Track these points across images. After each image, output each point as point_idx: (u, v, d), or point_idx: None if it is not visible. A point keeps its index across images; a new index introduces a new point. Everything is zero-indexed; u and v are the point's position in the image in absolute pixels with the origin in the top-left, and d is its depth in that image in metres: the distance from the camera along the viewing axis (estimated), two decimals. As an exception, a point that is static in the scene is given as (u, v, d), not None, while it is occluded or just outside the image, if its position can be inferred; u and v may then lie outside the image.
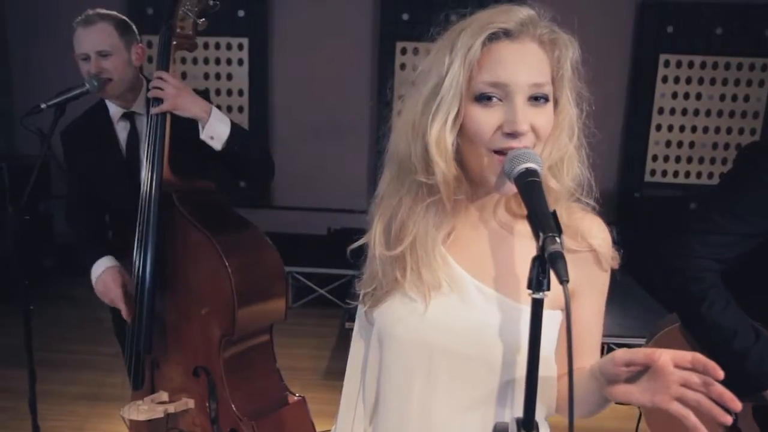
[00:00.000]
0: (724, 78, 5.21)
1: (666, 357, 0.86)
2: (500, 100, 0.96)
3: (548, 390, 1.06)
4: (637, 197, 5.28)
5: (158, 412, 1.89)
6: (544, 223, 0.84)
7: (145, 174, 2.00)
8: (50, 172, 5.07)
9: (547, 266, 0.84)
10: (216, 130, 2.03)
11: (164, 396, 1.99)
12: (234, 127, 2.06)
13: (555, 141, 1.02)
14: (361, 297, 1.14)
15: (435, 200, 1.04)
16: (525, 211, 0.91)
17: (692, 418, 0.85)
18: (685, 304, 1.67)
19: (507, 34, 0.97)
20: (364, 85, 5.51)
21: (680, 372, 0.85)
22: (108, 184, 2.28)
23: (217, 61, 5.39)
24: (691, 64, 5.21)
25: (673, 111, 5.32)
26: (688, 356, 0.85)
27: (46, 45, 5.51)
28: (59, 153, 2.42)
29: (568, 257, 1.01)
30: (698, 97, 5.27)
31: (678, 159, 5.42)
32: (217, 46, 5.35)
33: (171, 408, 1.91)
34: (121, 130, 2.28)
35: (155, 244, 1.96)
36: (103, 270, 2.19)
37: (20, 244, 2.44)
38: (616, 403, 0.96)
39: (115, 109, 2.28)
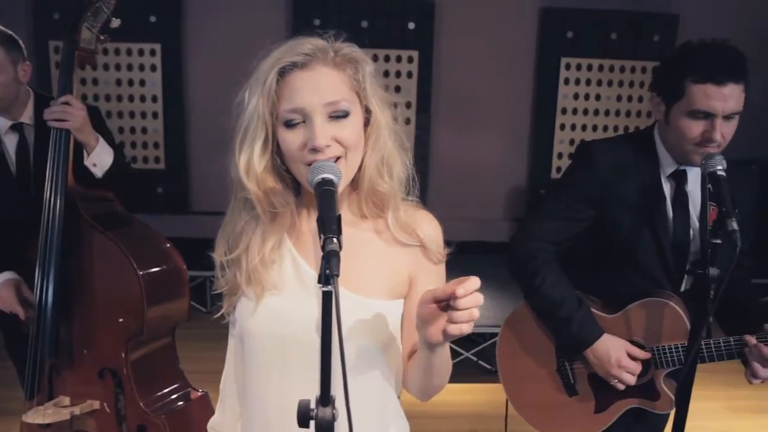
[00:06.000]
0: (620, 80, 5.53)
1: (458, 290, 0.96)
2: (303, 122, 1.12)
3: (397, 369, 1.22)
4: (543, 194, 5.53)
5: (64, 415, 1.91)
6: (327, 225, 0.95)
7: (47, 182, 2.02)
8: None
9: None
10: (100, 159, 2.13)
11: (66, 401, 2.01)
12: (116, 158, 2.16)
13: (374, 144, 1.18)
14: (223, 301, 1.26)
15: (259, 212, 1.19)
16: (375, 211, 1.13)
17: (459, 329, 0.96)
18: (523, 280, 1.95)
19: (295, 65, 1.12)
20: (280, 90, 5.55)
21: (461, 301, 0.96)
22: None
23: (129, 67, 5.30)
24: (589, 67, 5.50)
25: (575, 111, 5.61)
26: (472, 283, 0.97)
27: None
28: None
29: (402, 250, 1.19)
30: (597, 98, 5.57)
31: (581, 157, 5.68)
32: (129, 52, 5.25)
33: (76, 410, 1.93)
34: (10, 143, 2.28)
35: (60, 250, 1.99)
36: (1, 282, 2.18)
37: None
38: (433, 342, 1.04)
39: (2, 122, 2.27)
